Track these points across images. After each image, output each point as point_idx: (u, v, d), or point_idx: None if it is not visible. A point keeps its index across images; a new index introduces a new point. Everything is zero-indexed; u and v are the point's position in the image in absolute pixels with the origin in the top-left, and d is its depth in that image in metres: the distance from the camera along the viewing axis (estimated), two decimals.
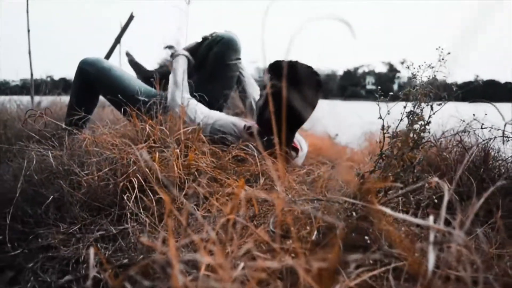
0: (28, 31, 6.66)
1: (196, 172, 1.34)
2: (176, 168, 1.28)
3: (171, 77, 2.07)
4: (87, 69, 2.22)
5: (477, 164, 1.55)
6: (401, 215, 0.53)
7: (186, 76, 2.10)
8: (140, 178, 1.27)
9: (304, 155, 2.20)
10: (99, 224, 1.21)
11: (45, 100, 5.19)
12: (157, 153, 1.33)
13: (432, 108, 0.99)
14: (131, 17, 6.99)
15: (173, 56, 2.18)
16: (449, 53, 0.98)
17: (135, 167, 1.31)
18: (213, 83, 2.21)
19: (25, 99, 5.35)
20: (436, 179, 0.63)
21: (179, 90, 1.96)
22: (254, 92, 2.48)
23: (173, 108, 1.88)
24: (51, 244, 1.12)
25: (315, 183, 1.75)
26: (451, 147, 1.69)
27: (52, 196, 1.32)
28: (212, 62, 2.22)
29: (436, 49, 1.00)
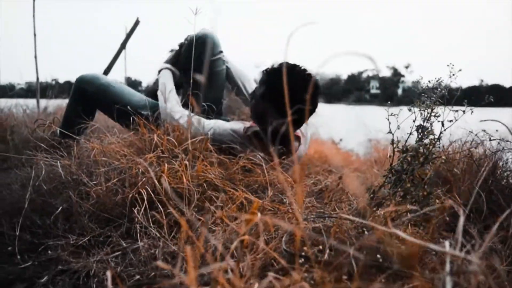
0: (35, 35, 6.70)
1: (204, 184, 1.34)
2: (185, 180, 1.28)
3: (159, 93, 2.08)
4: (85, 87, 2.22)
5: (486, 176, 1.55)
6: (417, 241, 0.53)
7: (174, 89, 2.11)
8: (149, 189, 1.27)
9: (308, 141, 2.19)
10: (108, 236, 1.21)
11: (51, 105, 5.21)
12: (166, 165, 1.33)
13: (443, 125, 0.99)
14: (136, 22, 7.02)
15: (159, 73, 2.20)
16: (460, 70, 0.98)
17: (144, 178, 1.31)
18: (206, 85, 2.19)
19: (31, 102, 5.37)
20: (450, 201, 0.62)
21: (170, 102, 1.96)
22: (243, 79, 2.47)
23: (169, 121, 1.87)
24: (61, 256, 1.12)
25: (322, 193, 1.76)
26: (459, 158, 1.68)
27: (61, 207, 1.32)
28: (197, 65, 2.14)
29: (447, 65, 1.00)
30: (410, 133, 1.08)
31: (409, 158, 0.98)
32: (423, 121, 1.07)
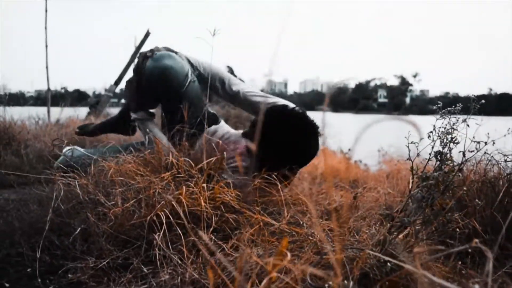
0: (46, 46, 6.80)
1: (222, 206, 1.35)
2: (202, 203, 1.29)
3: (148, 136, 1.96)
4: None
5: (501, 197, 1.54)
6: (445, 283, 0.53)
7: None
8: (167, 212, 1.27)
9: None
10: (127, 259, 1.22)
11: (63, 116, 5.25)
12: (183, 188, 1.34)
13: (464, 155, 0.99)
14: (147, 34, 7.12)
15: (136, 121, 2.02)
16: (479, 101, 0.98)
17: (162, 201, 1.32)
18: (182, 112, 1.89)
19: (41, 111, 5.42)
20: (476, 241, 0.63)
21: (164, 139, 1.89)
22: (222, 84, 2.19)
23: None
24: (81, 280, 1.13)
25: (337, 212, 1.76)
26: (475, 179, 1.67)
27: (79, 228, 1.33)
28: (167, 100, 1.99)
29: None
30: (429, 159, 1.09)
31: (429, 185, 0.98)
32: (442, 147, 1.08)
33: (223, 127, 2.14)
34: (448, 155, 1.06)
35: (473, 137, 1.02)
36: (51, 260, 1.28)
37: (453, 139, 1.05)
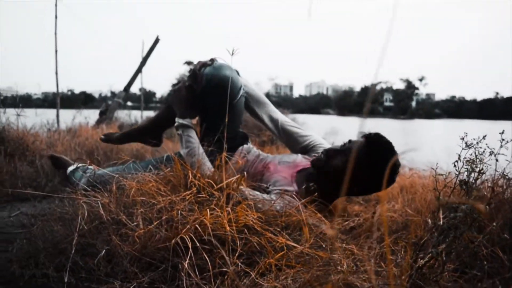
0: (56, 51, 6.84)
1: (245, 229, 1.36)
2: (227, 227, 1.30)
3: (188, 158, 1.90)
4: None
5: None
6: None
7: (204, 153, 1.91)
8: (192, 235, 1.29)
9: None
10: (152, 283, 1.23)
11: (75, 122, 5.29)
12: (208, 211, 1.35)
13: (493, 190, 1.00)
14: (156, 40, 7.16)
15: (178, 128, 1.96)
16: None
17: (185, 223, 1.33)
18: (227, 126, 1.89)
19: (49, 113, 5.46)
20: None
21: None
22: (261, 103, 2.28)
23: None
24: None
25: (354, 230, 1.76)
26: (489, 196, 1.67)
27: (104, 250, 1.35)
28: (217, 111, 1.97)
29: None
30: (454, 188, 1.09)
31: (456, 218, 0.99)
32: (467, 176, 1.08)
33: (253, 148, 2.20)
34: (475, 184, 1.06)
35: (503, 172, 1.02)
36: (76, 282, 1.29)
37: (480, 171, 1.05)
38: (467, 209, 0.98)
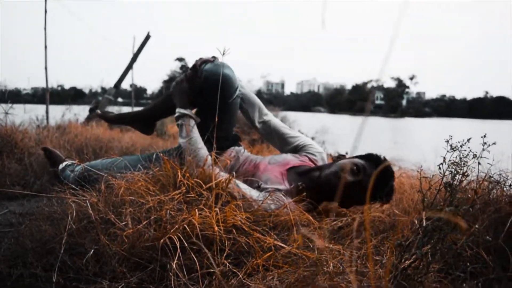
0: (45, 47, 6.79)
1: (234, 230, 1.37)
2: (215, 227, 1.31)
3: (189, 146, 1.90)
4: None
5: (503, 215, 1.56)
6: None
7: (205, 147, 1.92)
8: (180, 235, 1.29)
9: None
10: (140, 283, 1.24)
11: (64, 119, 5.27)
12: (196, 211, 1.36)
13: (476, 193, 1.02)
14: (147, 37, 7.14)
15: (179, 118, 1.97)
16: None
17: (174, 223, 1.34)
18: (221, 125, 1.93)
19: (38, 109, 5.43)
20: None
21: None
22: (252, 104, 2.31)
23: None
24: None
25: (341, 230, 1.78)
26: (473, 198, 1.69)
27: (92, 250, 1.35)
28: (212, 108, 1.96)
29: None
30: (439, 190, 1.11)
31: (440, 216, 1.01)
32: (452, 179, 1.10)
33: (244, 150, 2.24)
34: (458, 187, 1.08)
35: (487, 175, 1.04)
36: (65, 282, 1.30)
37: (464, 174, 1.07)
38: (451, 211, 1.00)
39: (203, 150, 1.87)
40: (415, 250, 1.00)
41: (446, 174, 1.10)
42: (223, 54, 1.73)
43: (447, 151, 1.14)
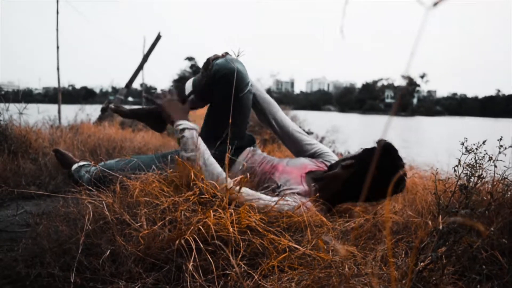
0: (58, 48, 6.85)
1: (248, 231, 1.38)
2: (230, 229, 1.32)
3: (204, 167, 1.82)
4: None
5: None
6: None
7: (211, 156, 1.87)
8: (195, 236, 1.31)
9: None
10: (156, 283, 1.25)
11: (76, 118, 5.31)
12: (211, 212, 1.37)
13: (492, 196, 1.02)
14: (158, 37, 7.17)
15: (182, 131, 1.89)
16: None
17: (189, 224, 1.35)
18: (233, 120, 1.95)
19: (50, 108, 5.49)
20: None
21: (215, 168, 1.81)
22: (271, 107, 2.34)
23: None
24: None
25: (354, 230, 1.78)
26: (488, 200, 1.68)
27: (108, 251, 1.37)
28: (222, 103, 2.02)
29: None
30: (454, 192, 1.11)
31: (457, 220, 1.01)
32: (467, 181, 1.10)
33: (259, 151, 2.26)
34: (474, 190, 1.08)
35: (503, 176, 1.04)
36: (82, 282, 1.31)
37: (480, 176, 1.07)
38: (466, 214, 1.00)
39: (217, 166, 1.80)
40: (431, 252, 1.00)
41: (461, 176, 1.10)
42: (238, 55, 1.74)
43: (462, 154, 1.14)
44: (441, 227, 1.03)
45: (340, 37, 0.60)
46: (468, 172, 1.10)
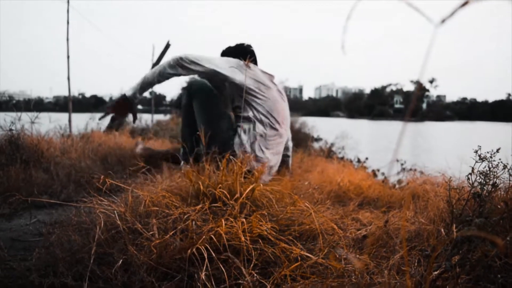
0: (68, 57, 6.92)
1: (259, 239, 1.38)
2: (242, 238, 1.32)
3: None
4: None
5: None
6: None
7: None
8: (207, 246, 1.31)
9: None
10: None
11: (86, 126, 5.36)
12: (223, 221, 1.37)
13: (507, 205, 1.01)
14: (167, 46, 7.22)
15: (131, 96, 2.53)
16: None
17: (201, 233, 1.36)
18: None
19: (60, 117, 5.54)
20: None
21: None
22: None
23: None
24: None
25: (366, 239, 1.77)
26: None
27: (121, 260, 1.37)
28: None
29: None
30: (467, 201, 1.10)
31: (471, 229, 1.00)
32: (481, 189, 1.09)
33: None
34: (488, 198, 1.07)
35: None
36: None
37: (494, 185, 1.06)
38: (480, 223, 0.99)
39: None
40: (445, 262, 1.00)
41: (475, 185, 1.09)
42: (247, 65, 1.75)
43: (476, 161, 1.13)
44: (455, 235, 1.02)
45: (342, 52, 0.60)
46: (482, 180, 1.09)
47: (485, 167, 1.12)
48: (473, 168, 1.12)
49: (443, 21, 0.44)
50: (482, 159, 1.12)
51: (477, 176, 1.11)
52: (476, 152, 1.13)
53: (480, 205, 1.06)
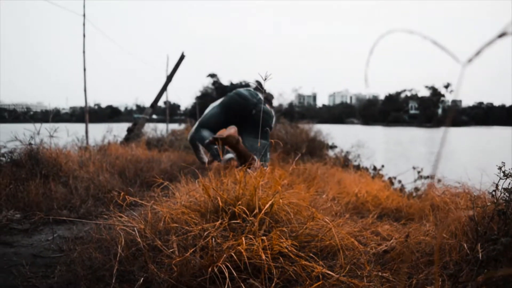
0: (84, 70, 7.03)
1: (280, 257, 1.37)
2: (263, 256, 1.32)
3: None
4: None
5: None
6: None
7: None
8: (228, 264, 1.30)
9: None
10: None
11: (104, 137, 5.42)
12: (243, 239, 1.37)
13: None
14: (182, 57, 7.28)
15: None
16: None
17: (221, 251, 1.35)
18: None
19: (77, 128, 5.61)
20: None
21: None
22: None
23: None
24: None
25: (387, 254, 1.75)
26: None
27: (142, 279, 1.37)
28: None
29: None
30: (492, 218, 1.08)
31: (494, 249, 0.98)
32: (506, 207, 1.07)
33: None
34: None
35: None
36: None
37: None
38: (507, 242, 0.97)
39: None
40: (470, 282, 0.98)
41: (499, 202, 1.08)
42: (265, 79, 1.76)
43: (500, 178, 1.11)
44: (480, 255, 1.00)
45: (364, 86, 0.60)
46: (507, 197, 1.08)
47: (509, 184, 1.10)
48: (497, 185, 1.10)
49: (469, 60, 0.43)
50: (506, 175, 1.10)
51: (501, 193, 1.09)
52: (500, 168, 1.11)
53: (505, 223, 1.04)
